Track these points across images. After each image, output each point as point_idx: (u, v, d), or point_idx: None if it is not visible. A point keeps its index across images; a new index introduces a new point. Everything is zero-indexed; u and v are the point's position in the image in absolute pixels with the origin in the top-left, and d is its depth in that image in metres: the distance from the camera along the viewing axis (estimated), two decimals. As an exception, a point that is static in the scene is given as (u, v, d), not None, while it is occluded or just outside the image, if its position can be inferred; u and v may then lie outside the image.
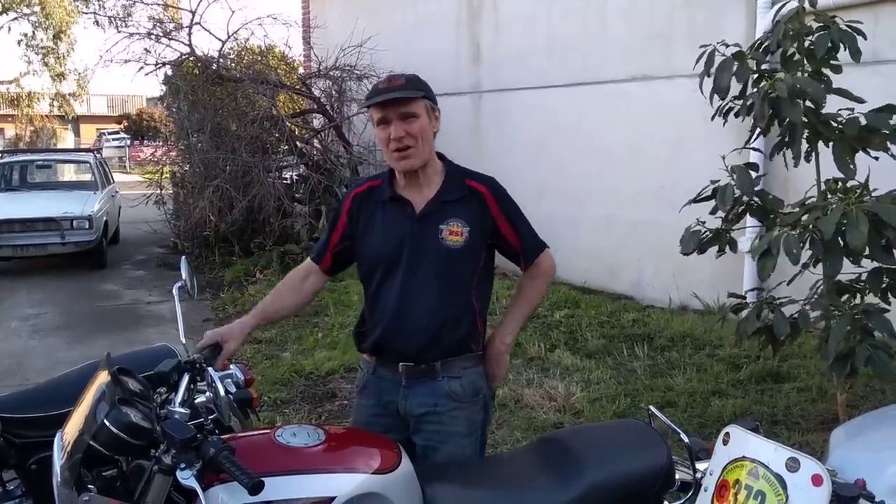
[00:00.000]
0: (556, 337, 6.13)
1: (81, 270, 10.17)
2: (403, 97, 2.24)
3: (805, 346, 5.30)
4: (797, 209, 3.73)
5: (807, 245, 3.48)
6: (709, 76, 3.75)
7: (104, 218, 10.52)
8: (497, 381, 2.50)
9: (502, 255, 2.45)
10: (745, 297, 4.29)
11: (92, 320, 7.62)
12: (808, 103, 3.57)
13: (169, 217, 11.32)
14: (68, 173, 13.07)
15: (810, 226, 3.44)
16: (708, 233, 3.91)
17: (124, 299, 8.68)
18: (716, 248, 3.94)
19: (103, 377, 1.79)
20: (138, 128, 36.43)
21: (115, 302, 8.55)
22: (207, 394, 1.93)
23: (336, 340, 6.30)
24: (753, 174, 3.86)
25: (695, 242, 3.91)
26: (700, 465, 2.07)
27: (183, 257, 2.35)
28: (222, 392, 1.86)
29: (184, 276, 2.27)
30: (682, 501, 2.13)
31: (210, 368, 1.98)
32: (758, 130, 3.85)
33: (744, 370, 5.12)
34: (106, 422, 1.68)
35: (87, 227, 9.91)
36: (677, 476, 2.14)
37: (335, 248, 2.47)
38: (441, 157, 2.41)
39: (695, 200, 3.97)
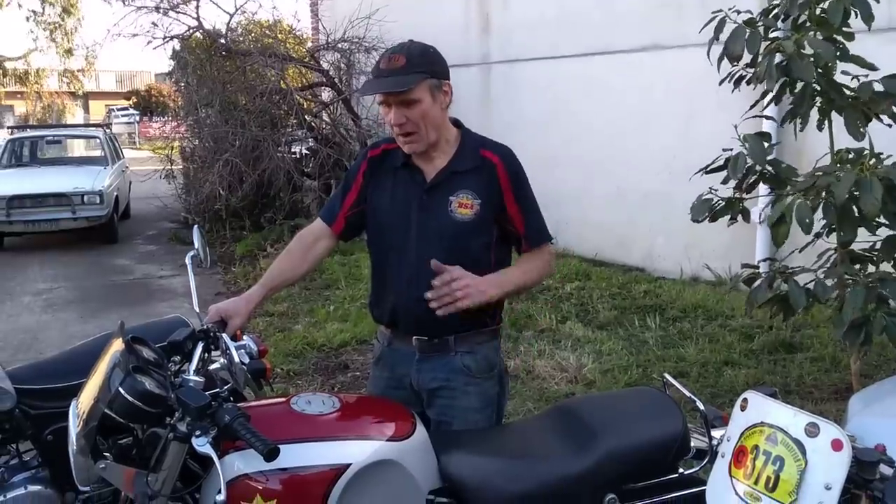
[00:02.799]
0: (567, 309, 6.12)
1: (93, 245, 10.21)
2: (398, 91, 2.15)
3: (817, 317, 5.27)
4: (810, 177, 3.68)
5: (820, 213, 3.45)
6: (717, 41, 3.69)
7: (115, 193, 10.55)
8: (458, 305, 2.18)
9: (506, 235, 2.33)
10: (757, 268, 4.26)
11: (104, 295, 7.67)
12: (819, 70, 3.51)
13: (179, 192, 11.33)
14: (78, 149, 13.08)
15: (823, 192, 3.39)
16: (720, 201, 3.87)
17: (136, 274, 8.71)
18: (727, 217, 3.90)
19: (117, 345, 1.79)
20: (147, 104, 36.37)
21: (127, 276, 8.59)
22: (222, 360, 1.92)
23: (347, 313, 6.31)
24: (766, 144, 3.81)
25: (706, 210, 3.87)
26: (715, 433, 2.07)
27: (195, 226, 2.33)
28: (237, 358, 1.85)
29: (196, 245, 2.25)
30: (697, 468, 2.13)
31: (224, 335, 1.97)
32: (769, 96, 3.80)
33: (756, 340, 5.11)
34: (121, 390, 1.68)
35: (98, 202, 9.94)
36: (692, 443, 2.13)
37: (349, 211, 2.40)
38: (457, 123, 2.35)
39: (706, 170, 3.93)
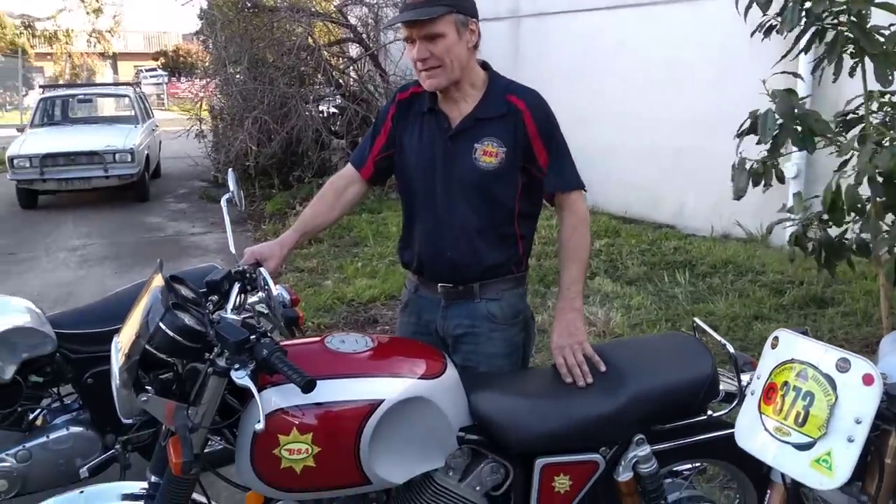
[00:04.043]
0: (596, 265, 6.11)
1: (125, 203, 10.35)
2: (422, 19, 2.11)
3: (849, 272, 5.21)
4: (841, 126, 3.60)
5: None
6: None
7: (146, 151, 10.64)
8: (570, 350, 2.16)
9: (534, 184, 2.28)
10: (790, 216, 4.19)
11: (137, 251, 7.78)
12: (852, 18, 3.42)
13: (209, 151, 11.40)
14: (109, 108, 13.18)
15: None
16: (754, 164, 3.80)
17: (168, 231, 8.83)
18: (766, 186, 3.81)
19: (157, 281, 1.83)
20: (175, 64, 36.43)
21: (159, 234, 8.71)
22: (260, 294, 1.96)
23: (376, 270, 6.36)
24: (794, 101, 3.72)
25: (746, 180, 3.77)
26: (744, 378, 2.08)
27: (230, 170, 2.36)
28: (275, 291, 1.89)
29: (231, 188, 2.28)
30: (726, 411, 2.14)
31: (263, 269, 2.01)
32: (801, 43, 3.70)
33: (787, 295, 5.08)
34: (161, 325, 1.73)
35: (129, 160, 10.04)
36: (722, 387, 2.14)
37: (378, 156, 2.40)
38: (485, 66, 2.31)
39: (738, 135, 3.85)
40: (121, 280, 6.57)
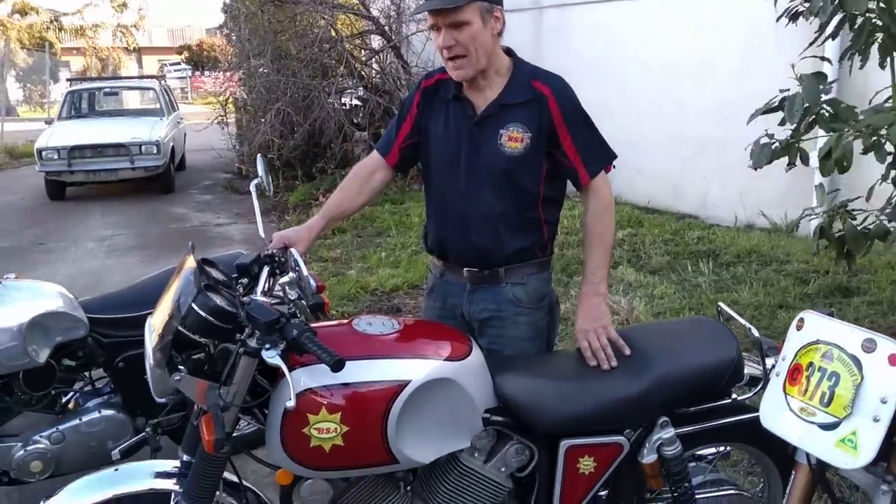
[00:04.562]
0: (619, 255, 6.11)
1: (151, 195, 10.48)
2: (447, 7, 2.12)
3: (876, 262, 5.18)
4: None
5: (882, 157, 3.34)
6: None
7: (171, 144, 10.77)
8: (595, 334, 2.18)
9: (559, 170, 2.30)
10: (815, 211, 4.17)
11: (164, 241, 7.88)
12: (881, 4, 3.38)
13: (233, 143, 11.50)
14: (135, 100, 13.34)
15: (882, 130, 3.29)
16: (778, 144, 3.79)
17: (193, 222, 8.93)
18: (785, 163, 3.80)
19: (190, 262, 1.87)
20: (199, 58, 36.63)
21: (184, 224, 8.81)
22: (291, 274, 1.99)
23: (399, 259, 6.40)
24: (822, 85, 3.69)
25: (766, 156, 3.77)
26: (769, 362, 2.08)
27: (258, 156, 2.40)
28: (305, 272, 1.92)
29: (260, 173, 2.32)
30: (751, 394, 2.15)
31: (293, 250, 2.04)
32: (826, 33, 3.67)
33: (812, 284, 5.05)
34: (194, 306, 1.76)
35: (155, 151, 10.16)
36: (746, 371, 2.15)
37: (403, 143, 2.42)
38: (509, 53, 2.32)
39: (763, 112, 3.84)
40: (147, 269, 6.65)
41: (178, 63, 36.17)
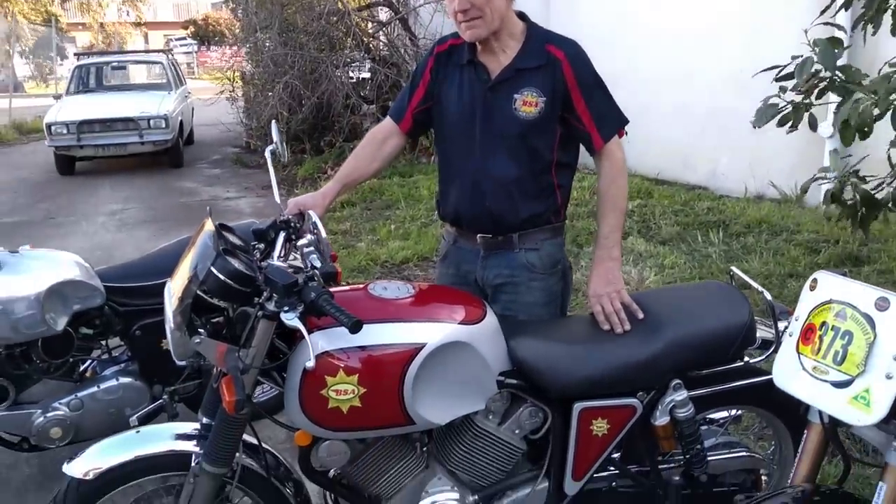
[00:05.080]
0: (629, 225, 6.10)
1: (160, 169, 10.50)
2: None
3: (885, 231, 5.16)
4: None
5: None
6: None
7: (179, 118, 10.76)
8: (608, 298, 2.21)
9: (573, 134, 2.30)
10: (826, 175, 4.15)
11: (175, 215, 7.91)
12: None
13: (241, 117, 11.49)
14: (142, 75, 13.31)
15: (893, 96, 3.26)
16: (787, 105, 3.75)
17: (203, 196, 8.95)
18: (792, 127, 3.77)
19: (208, 226, 1.89)
20: (204, 33, 36.48)
21: (194, 198, 8.84)
22: (309, 237, 2.01)
23: (408, 232, 6.41)
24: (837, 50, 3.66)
25: (771, 115, 3.73)
26: (781, 325, 2.09)
27: (273, 122, 2.41)
28: (324, 234, 1.94)
29: (275, 139, 2.33)
30: (763, 357, 2.17)
31: (312, 212, 2.06)
32: (838, 3, 3.63)
33: (822, 254, 5.05)
34: (213, 269, 1.79)
35: (163, 126, 10.17)
36: (758, 334, 2.17)
37: (416, 109, 2.42)
38: (523, 17, 2.32)
39: (776, 78, 3.80)
40: (158, 242, 6.64)
41: (184, 38, 36.05)
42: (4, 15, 21.93)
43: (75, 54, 15.62)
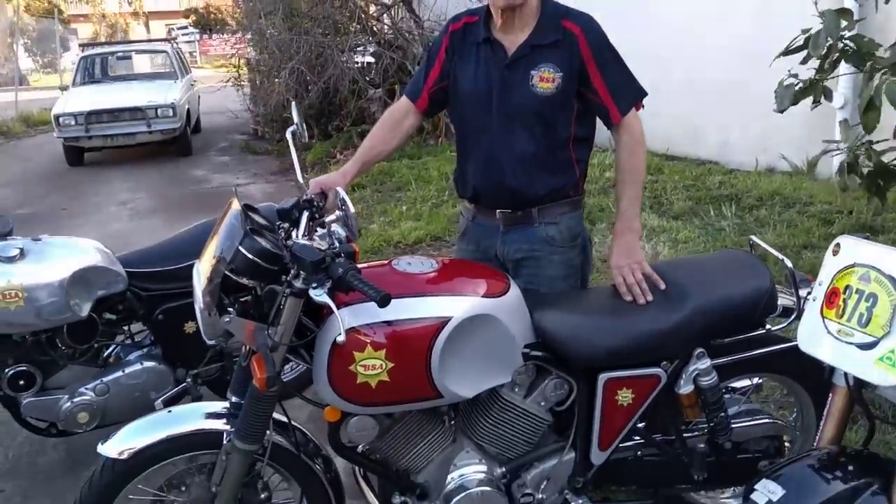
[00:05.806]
0: (641, 200, 6.08)
1: (169, 158, 10.52)
2: None
3: (900, 201, 5.15)
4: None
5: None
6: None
7: (186, 106, 10.77)
8: (630, 269, 2.21)
9: (590, 109, 2.32)
10: (838, 145, 4.14)
11: (186, 203, 7.94)
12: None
13: (248, 104, 11.49)
14: (147, 64, 13.32)
15: None
16: (801, 83, 3.74)
17: (214, 183, 8.98)
18: (809, 102, 3.75)
19: (235, 205, 1.91)
20: (206, 21, 36.36)
21: (205, 185, 8.87)
22: (337, 212, 2.03)
23: (420, 213, 6.42)
24: (845, 23, 3.63)
25: (790, 97, 3.73)
26: (802, 293, 2.11)
27: (293, 102, 2.42)
28: (352, 209, 1.96)
29: (296, 120, 2.34)
30: (784, 324, 2.18)
31: (339, 188, 2.08)
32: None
33: (836, 224, 5.04)
34: (241, 248, 1.81)
35: (171, 114, 10.18)
36: (779, 302, 2.18)
37: (432, 88, 2.42)
38: None
39: (786, 52, 3.78)
40: (171, 230, 6.63)
41: (186, 27, 35.94)
42: (10, 9, 21.90)
43: (80, 45, 15.62)
